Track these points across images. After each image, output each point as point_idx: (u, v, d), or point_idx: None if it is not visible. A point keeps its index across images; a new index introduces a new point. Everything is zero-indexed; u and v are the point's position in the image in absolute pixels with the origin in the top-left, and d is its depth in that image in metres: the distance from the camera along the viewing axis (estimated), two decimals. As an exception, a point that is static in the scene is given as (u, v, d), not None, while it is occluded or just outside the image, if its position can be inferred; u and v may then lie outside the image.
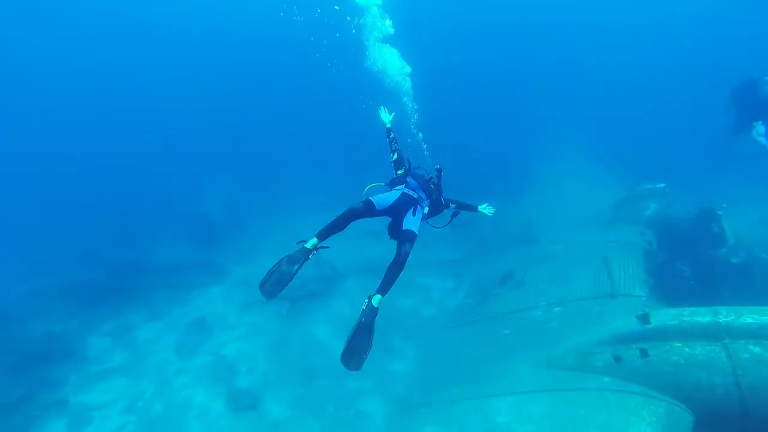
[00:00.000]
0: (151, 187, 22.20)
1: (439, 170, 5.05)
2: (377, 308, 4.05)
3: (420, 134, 7.18)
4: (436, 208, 5.03)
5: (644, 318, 6.94)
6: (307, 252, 4.22)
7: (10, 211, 22.66)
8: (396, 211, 4.55)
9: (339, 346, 11.36)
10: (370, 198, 4.49)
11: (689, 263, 10.22)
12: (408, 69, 9.04)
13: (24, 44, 30.86)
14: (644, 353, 6.72)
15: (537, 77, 30.06)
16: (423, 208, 4.70)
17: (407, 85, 8.75)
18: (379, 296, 4.07)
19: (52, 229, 19.75)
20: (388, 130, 5.60)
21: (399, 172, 5.13)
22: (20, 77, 32.44)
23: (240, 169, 23.24)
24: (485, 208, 5.68)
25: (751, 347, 6.04)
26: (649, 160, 16.16)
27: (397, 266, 4.18)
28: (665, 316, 6.81)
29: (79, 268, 15.82)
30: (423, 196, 4.83)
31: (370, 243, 16.46)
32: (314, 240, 4.28)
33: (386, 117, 5.65)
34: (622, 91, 27.37)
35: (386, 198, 4.58)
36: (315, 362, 10.99)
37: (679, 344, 6.52)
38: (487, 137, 22.52)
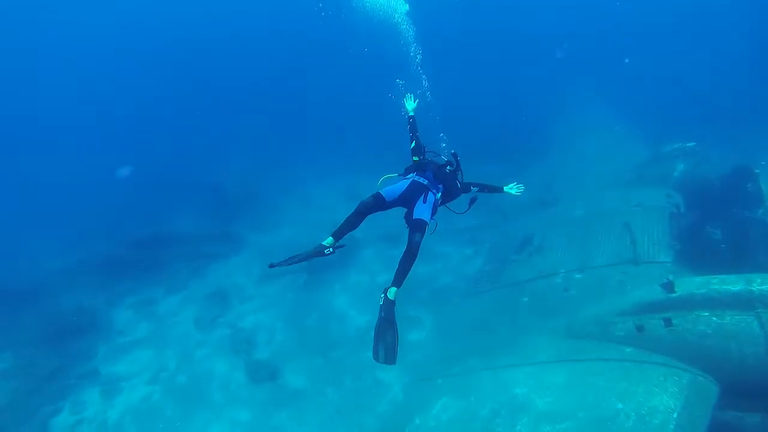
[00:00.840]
0: (170, 161, 22.32)
1: (455, 155, 4.88)
2: (394, 300, 3.96)
3: (428, 93, 6.77)
4: (451, 193, 4.82)
5: (669, 286, 6.61)
6: (323, 248, 4.12)
7: (39, 192, 23.27)
8: (407, 200, 4.39)
9: (357, 317, 11.36)
10: (379, 191, 4.38)
11: (721, 226, 9.69)
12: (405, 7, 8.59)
13: (53, 26, 30.90)
14: (668, 323, 6.43)
15: (558, 33, 28.50)
16: (435, 195, 4.51)
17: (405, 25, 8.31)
18: (394, 289, 3.96)
19: (79, 207, 20.16)
20: (410, 118, 5.40)
21: (415, 159, 4.95)
22: (47, 58, 32.65)
23: (255, 139, 23.08)
24: (511, 188, 5.30)
25: (789, 317, 5.69)
26: (678, 116, 15.22)
27: (409, 256, 4.03)
28: (692, 285, 6.45)
29: (103, 244, 16.15)
30: (435, 182, 4.62)
31: (389, 211, 16.32)
32: (330, 239, 4.19)
33: (410, 105, 5.47)
34: (648, 43, 25.74)
35: (396, 188, 4.44)
36: (333, 333, 11.09)
37: (707, 313, 6.20)
38: (506, 97, 21.66)
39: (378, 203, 4.35)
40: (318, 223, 16.33)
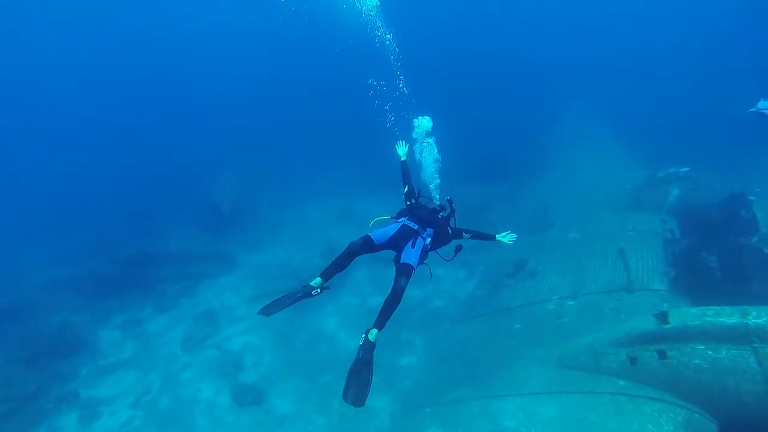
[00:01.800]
0: (162, 178, 22.18)
1: (450, 201, 4.93)
2: (374, 343, 3.95)
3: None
4: (442, 239, 4.79)
5: (662, 317, 6.43)
6: (311, 289, 4.14)
7: (28, 205, 23.05)
8: (396, 244, 4.43)
9: (346, 339, 11.06)
10: (369, 234, 4.40)
11: (716, 253, 9.55)
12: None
13: (36, 39, 31.02)
14: (662, 355, 6.23)
15: (556, 53, 28.77)
16: (425, 240, 4.53)
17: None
18: (375, 331, 3.96)
19: (68, 222, 19.97)
20: (403, 163, 5.44)
21: (407, 203, 5.01)
22: (36, 71, 32.73)
23: (250, 158, 23.00)
24: (504, 237, 5.24)
25: (785, 353, 5.50)
26: (673, 142, 15.19)
27: (393, 300, 4.04)
28: (686, 316, 6.27)
29: (92, 261, 15.90)
30: (425, 227, 4.65)
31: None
32: (318, 280, 4.19)
33: (402, 150, 5.51)
34: (646, 69, 25.93)
35: (386, 232, 4.47)
36: (321, 356, 10.83)
37: (702, 347, 6.00)
38: (502, 117, 21.68)
39: (367, 245, 4.35)
40: (311, 243, 16.19)
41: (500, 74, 27.49)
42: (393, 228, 4.50)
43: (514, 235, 5.26)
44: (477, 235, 5.11)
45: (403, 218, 4.68)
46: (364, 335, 3.98)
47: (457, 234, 4.95)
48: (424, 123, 5.71)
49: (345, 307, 12.48)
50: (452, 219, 4.91)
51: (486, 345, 9.04)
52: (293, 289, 4.20)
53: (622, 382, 6.46)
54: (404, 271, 4.21)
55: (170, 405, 9.89)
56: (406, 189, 5.18)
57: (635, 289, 8.16)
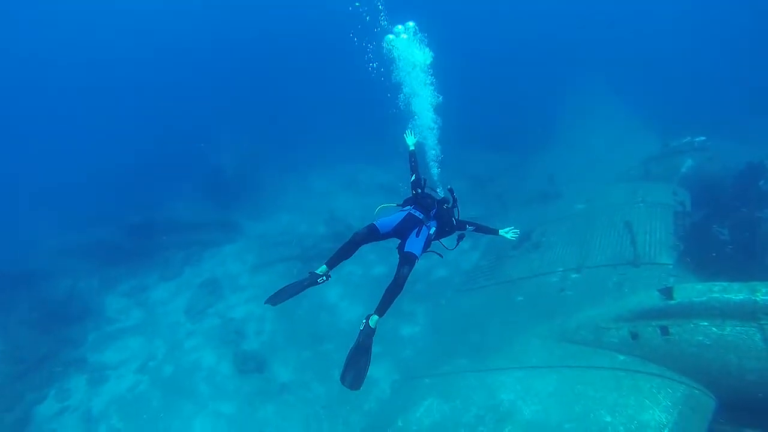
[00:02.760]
0: (168, 147, 22.02)
1: (450, 190, 4.97)
2: (374, 329, 4.06)
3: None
4: (446, 230, 4.86)
5: (667, 292, 6.25)
6: (317, 277, 4.29)
7: (38, 172, 23.17)
8: (401, 233, 4.49)
9: (348, 309, 11.06)
10: (374, 222, 4.49)
11: (728, 226, 9.22)
12: None
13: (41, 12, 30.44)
14: (665, 331, 6.09)
15: (567, 18, 27.49)
16: (429, 229, 4.59)
17: None
18: (376, 317, 4.05)
19: (77, 190, 20.05)
20: (412, 153, 5.52)
21: (414, 192, 5.07)
22: (43, 44, 32.27)
23: (256, 125, 22.70)
24: (507, 232, 5.31)
25: (795, 331, 5.32)
26: (691, 110, 14.51)
27: (395, 288, 4.12)
28: (692, 292, 6.07)
29: (100, 228, 16.01)
30: (430, 217, 4.71)
31: (385, 199, 15.96)
32: (324, 267, 4.33)
33: (410, 140, 5.60)
34: (661, 31, 24.65)
35: (391, 220, 4.54)
36: (323, 325, 10.89)
37: (706, 323, 5.84)
38: (511, 83, 20.97)
39: (372, 234, 4.42)
40: (316, 211, 16.09)
41: (511, 42, 26.48)
42: (398, 217, 4.54)
43: (517, 231, 5.31)
44: (480, 228, 5.13)
45: (408, 207, 4.71)
46: (364, 321, 4.06)
47: (461, 226, 4.98)
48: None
49: (347, 277, 12.46)
50: (456, 209, 4.92)
51: (487, 317, 8.97)
52: (300, 277, 4.34)
53: (622, 357, 6.35)
54: (408, 260, 4.23)
55: (174, 371, 10.09)
56: (413, 177, 5.20)
57: (641, 262, 7.94)
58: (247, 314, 11.48)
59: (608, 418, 5.55)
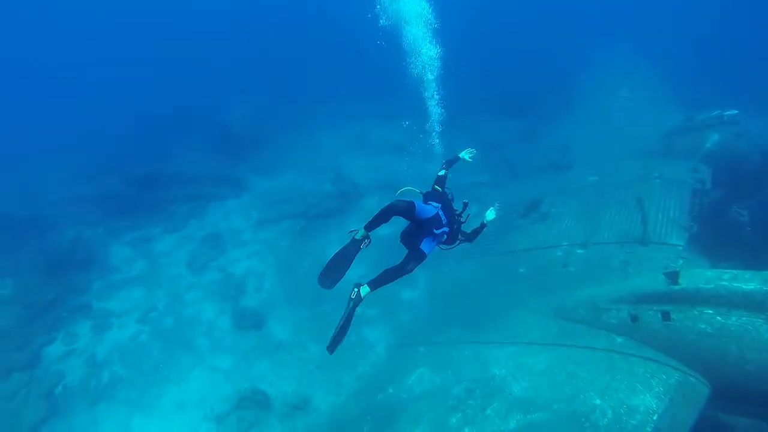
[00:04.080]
0: (177, 99, 21.66)
1: (465, 204, 5.04)
2: (363, 299, 4.21)
3: None
4: (451, 239, 4.94)
5: (673, 276, 5.98)
6: (359, 243, 4.32)
7: (46, 123, 23.09)
8: (424, 226, 4.47)
9: (351, 269, 10.82)
10: (414, 202, 4.35)
11: (750, 207, 8.78)
12: None
13: None
14: (666, 316, 5.87)
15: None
16: (443, 236, 4.68)
17: None
18: (368, 288, 4.20)
19: (86, 139, 19.98)
20: (458, 159, 5.76)
21: (437, 188, 5.10)
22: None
23: (265, 81, 22.12)
24: (490, 213, 5.39)
25: (804, 326, 5.07)
26: (723, 79, 13.54)
27: (397, 273, 4.22)
28: (699, 278, 5.78)
29: (107, 178, 16.00)
30: (448, 224, 4.77)
31: (393, 159, 15.60)
32: (362, 231, 4.30)
33: (465, 155, 5.80)
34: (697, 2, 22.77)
35: (426, 210, 4.48)
36: (323, 285, 10.86)
37: (711, 311, 5.60)
38: (532, 47, 19.83)
39: (408, 212, 4.29)
40: (322, 169, 15.84)
41: (536, 3, 24.84)
42: (429, 211, 4.51)
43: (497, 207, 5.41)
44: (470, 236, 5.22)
45: (438, 206, 4.70)
46: (356, 289, 4.18)
47: (462, 240, 5.13)
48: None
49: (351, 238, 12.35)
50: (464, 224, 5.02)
51: (487, 287, 8.83)
52: (342, 248, 4.37)
53: (619, 339, 6.18)
54: (419, 257, 4.31)
55: (174, 323, 10.28)
56: (442, 172, 5.34)
57: (650, 242, 7.63)
58: (248, 270, 11.53)
59: (597, 401, 5.45)
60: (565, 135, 12.77)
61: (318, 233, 12.76)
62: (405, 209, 4.25)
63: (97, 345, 9.98)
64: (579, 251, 8.37)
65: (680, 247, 7.41)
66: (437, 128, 6.38)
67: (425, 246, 4.41)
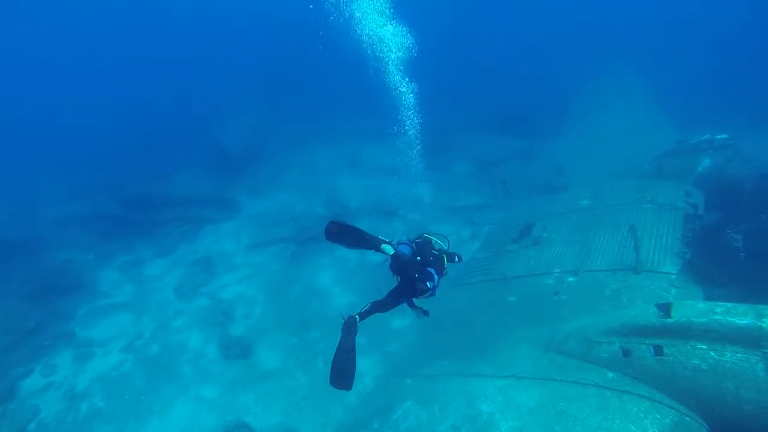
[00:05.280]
0: (172, 116, 21.68)
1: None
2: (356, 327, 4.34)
3: None
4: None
5: (665, 309, 5.79)
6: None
7: (39, 142, 23.07)
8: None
9: (339, 296, 10.67)
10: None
11: (744, 231, 8.61)
12: None
13: None
14: (659, 351, 5.67)
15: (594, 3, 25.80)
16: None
17: None
18: (357, 318, 4.36)
19: (78, 159, 19.93)
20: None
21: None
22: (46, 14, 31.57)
23: (260, 102, 22.15)
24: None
25: (801, 365, 4.87)
26: (715, 104, 13.50)
27: (384, 308, 4.50)
28: (691, 311, 5.59)
29: (100, 199, 15.87)
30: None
31: (386, 181, 15.50)
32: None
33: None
34: (695, 23, 22.88)
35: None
36: (312, 311, 10.67)
37: (704, 346, 5.39)
38: (528, 65, 19.93)
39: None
40: (316, 190, 15.74)
41: (533, 22, 25.08)
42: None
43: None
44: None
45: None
46: (346, 318, 4.31)
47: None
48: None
49: (342, 263, 12.17)
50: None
51: (477, 316, 8.64)
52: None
53: (611, 375, 5.96)
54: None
55: (159, 352, 10.01)
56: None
57: (643, 270, 7.46)
58: (237, 296, 11.32)
59: (588, 442, 5.22)
60: (561, 154, 12.71)
61: (309, 258, 12.58)
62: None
63: (78, 376, 9.68)
64: (570, 279, 8.19)
65: (673, 275, 7.24)
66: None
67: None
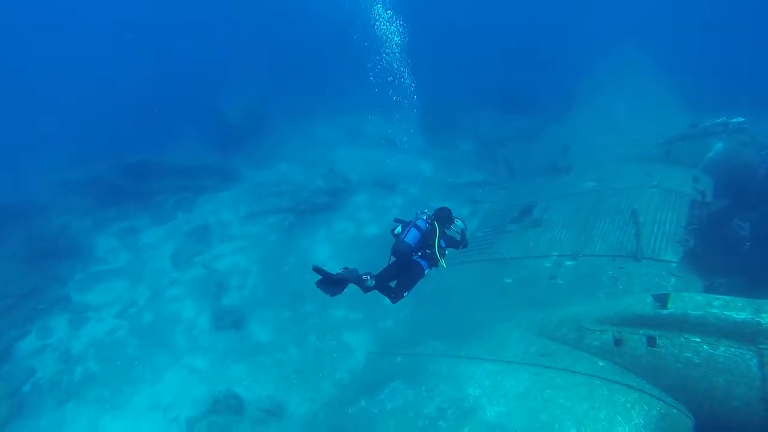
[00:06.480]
0: (173, 87, 21.21)
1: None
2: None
3: None
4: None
5: (662, 299, 5.64)
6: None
7: (44, 105, 22.76)
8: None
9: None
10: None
11: (751, 220, 8.33)
12: None
13: None
14: (651, 342, 5.54)
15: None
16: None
17: None
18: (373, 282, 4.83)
19: (78, 126, 19.66)
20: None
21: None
22: None
23: (262, 71, 21.61)
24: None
25: (797, 363, 4.71)
26: (733, 86, 12.88)
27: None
28: (688, 303, 5.43)
29: (98, 166, 15.66)
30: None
31: (388, 154, 15.20)
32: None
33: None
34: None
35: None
36: (306, 284, 10.51)
37: (698, 339, 5.25)
38: (538, 43, 19.16)
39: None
40: (316, 162, 15.48)
41: (540, 2, 23.99)
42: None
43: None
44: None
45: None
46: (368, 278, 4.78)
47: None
48: None
49: (338, 236, 12.05)
50: None
51: (472, 296, 8.53)
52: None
53: (602, 363, 5.86)
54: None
55: (153, 320, 10.05)
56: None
57: (642, 257, 7.25)
58: (232, 266, 11.26)
59: (573, 431, 5.15)
60: (567, 134, 12.32)
61: (306, 230, 12.46)
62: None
63: (72, 340, 9.78)
64: (568, 263, 8.02)
65: (674, 264, 7.04)
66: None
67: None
